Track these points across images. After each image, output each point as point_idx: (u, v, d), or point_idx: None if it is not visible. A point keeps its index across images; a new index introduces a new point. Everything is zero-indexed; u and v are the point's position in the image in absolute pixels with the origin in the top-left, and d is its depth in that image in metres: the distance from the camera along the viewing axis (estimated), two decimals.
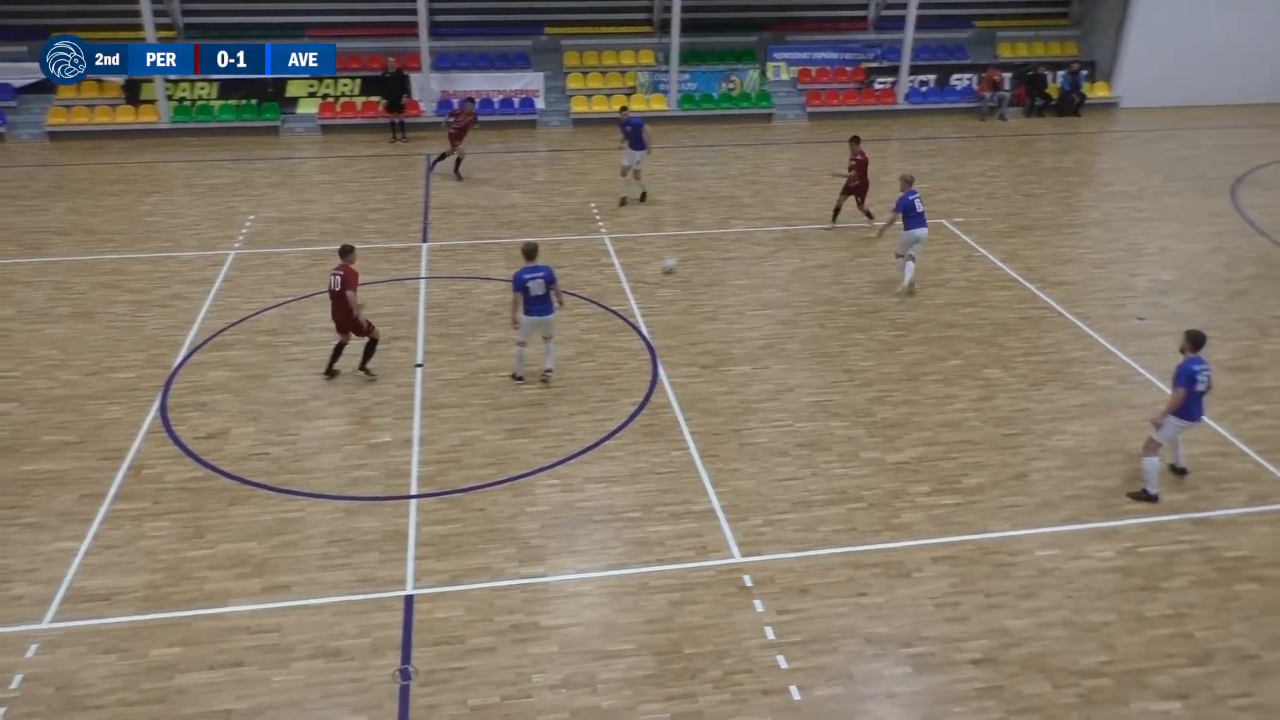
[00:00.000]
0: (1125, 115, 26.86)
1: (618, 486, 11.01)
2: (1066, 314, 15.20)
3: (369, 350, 12.98)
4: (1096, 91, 27.30)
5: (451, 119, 20.72)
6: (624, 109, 20.22)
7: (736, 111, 25.91)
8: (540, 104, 25.44)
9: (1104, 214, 19.58)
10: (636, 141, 19.03)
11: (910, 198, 15.37)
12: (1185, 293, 16.03)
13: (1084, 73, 27.10)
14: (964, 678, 8.56)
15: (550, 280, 12.42)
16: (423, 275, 16.35)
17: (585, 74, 26.20)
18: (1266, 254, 17.61)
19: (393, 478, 11.11)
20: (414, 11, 24.03)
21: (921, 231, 15.45)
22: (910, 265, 15.56)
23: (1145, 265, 17.12)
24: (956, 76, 27.16)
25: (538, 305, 12.48)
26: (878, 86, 26.75)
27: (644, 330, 14.56)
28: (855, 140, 18.15)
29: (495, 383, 13.05)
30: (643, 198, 19.57)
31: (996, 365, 13.70)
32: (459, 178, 20.67)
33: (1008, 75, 26.80)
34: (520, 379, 13.00)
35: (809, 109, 26.20)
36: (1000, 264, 16.94)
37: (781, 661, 8.67)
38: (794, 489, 11.01)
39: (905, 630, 9.06)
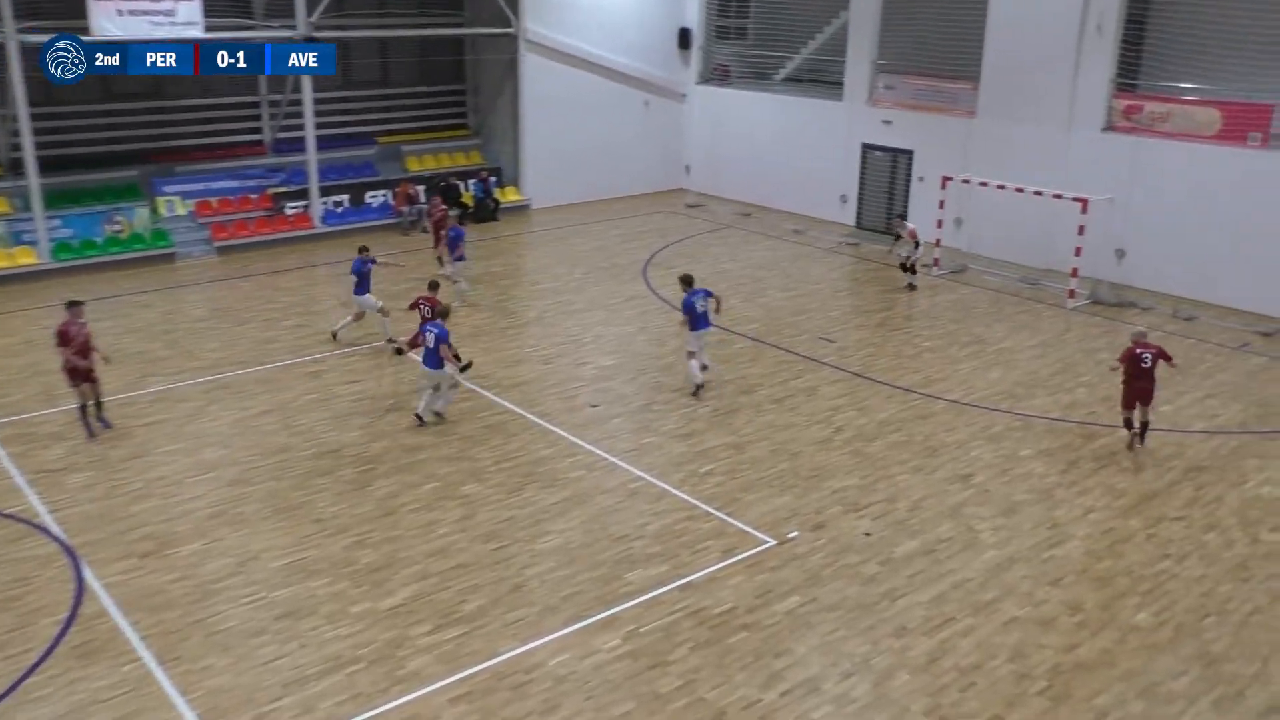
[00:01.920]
0: (538, 215, 28.95)
1: None
2: (527, 414, 15.46)
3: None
4: (508, 196, 29.10)
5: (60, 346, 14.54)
6: (364, 248, 18.44)
7: (131, 255, 23.03)
8: None
9: (539, 311, 20.61)
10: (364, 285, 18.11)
11: (456, 232, 20.65)
12: (627, 373, 17.21)
13: (494, 179, 28.75)
14: None
15: None
16: None
17: None
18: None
19: None
20: None
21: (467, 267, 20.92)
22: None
23: (586, 353, 18.17)
24: (370, 194, 27.12)
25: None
26: (289, 211, 25.74)
27: (55, 530, 11.96)
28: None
29: None
30: (334, 336, 18.37)
31: (472, 480, 13.38)
32: (105, 425, 14.72)
33: (422, 188, 27.47)
34: None
35: (217, 243, 24.26)
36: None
37: None
38: (282, 669, 9.60)
39: None
